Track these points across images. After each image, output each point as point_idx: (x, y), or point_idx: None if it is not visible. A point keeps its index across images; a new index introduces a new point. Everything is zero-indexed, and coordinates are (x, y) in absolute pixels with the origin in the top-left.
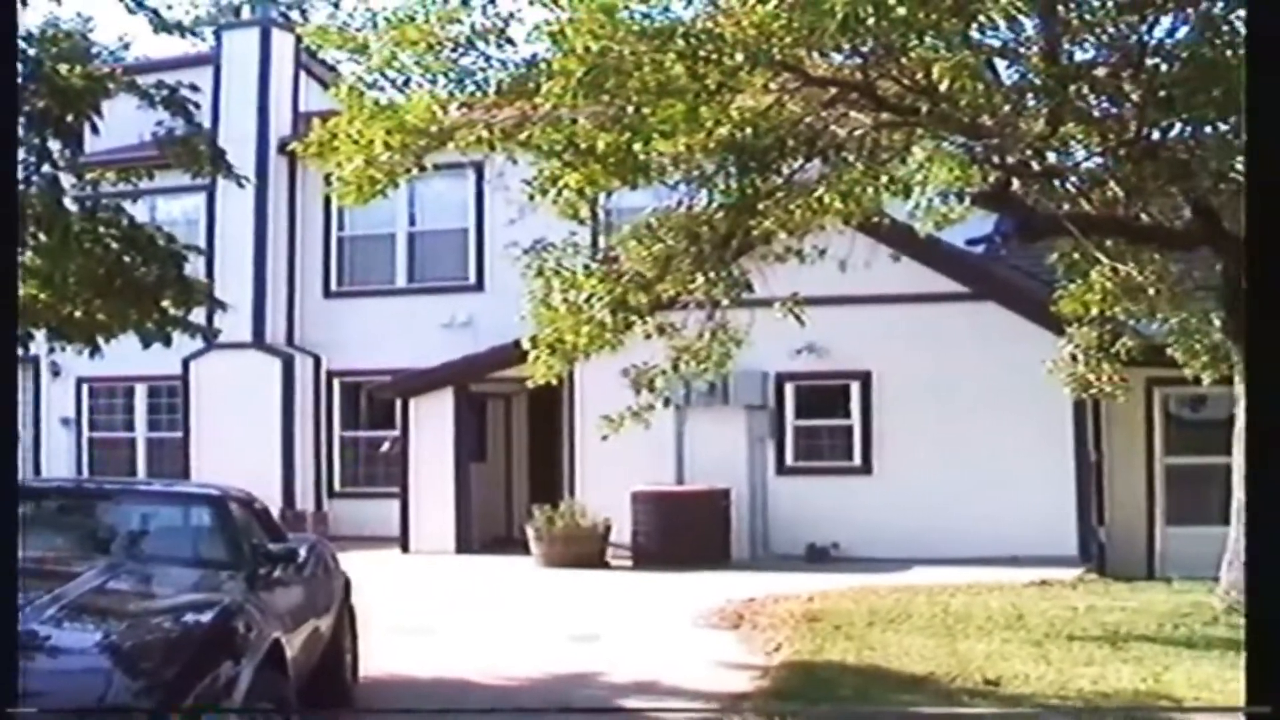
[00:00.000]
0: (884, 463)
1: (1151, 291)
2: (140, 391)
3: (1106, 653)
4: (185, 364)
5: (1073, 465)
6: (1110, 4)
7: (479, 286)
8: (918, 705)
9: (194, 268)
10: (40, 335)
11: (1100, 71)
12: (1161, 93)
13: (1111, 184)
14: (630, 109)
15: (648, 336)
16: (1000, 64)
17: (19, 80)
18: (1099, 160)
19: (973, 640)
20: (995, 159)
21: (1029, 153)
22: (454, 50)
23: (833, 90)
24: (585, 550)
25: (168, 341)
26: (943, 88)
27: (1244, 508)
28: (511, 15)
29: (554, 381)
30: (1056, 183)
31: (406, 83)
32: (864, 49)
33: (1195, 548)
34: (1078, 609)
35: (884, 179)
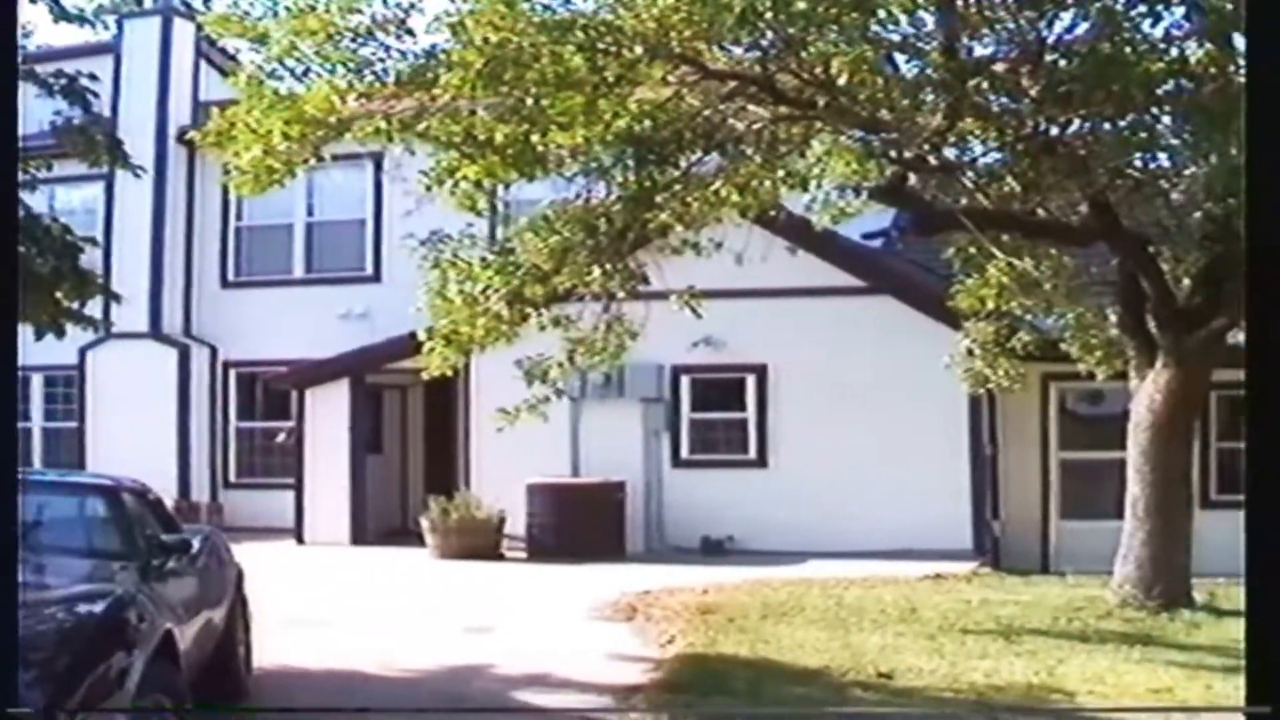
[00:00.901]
0: (779, 456)
1: (1047, 286)
2: (36, 381)
3: (1000, 646)
4: (82, 354)
5: (968, 459)
6: None
7: (376, 278)
8: (810, 698)
9: (90, 258)
10: None
11: (999, 67)
12: (1060, 88)
13: (1009, 179)
14: (529, 101)
15: (543, 329)
16: (899, 58)
17: None
18: (997, 155)
19: (866, 633)
20: (893, 153)
21: (926, 147)
22: (354, 40)
23: (731, 84)
24: (480, 542)
25: (61, 333)
26: (841, 82)
27: (1136, 502)
28: (412, 6)
29: (450, 373)
30: (954, 177)
31: (306, 72)
32: (763, 43)
33: (1089, 542)
34: (971, 602)
35: (781, 172)
